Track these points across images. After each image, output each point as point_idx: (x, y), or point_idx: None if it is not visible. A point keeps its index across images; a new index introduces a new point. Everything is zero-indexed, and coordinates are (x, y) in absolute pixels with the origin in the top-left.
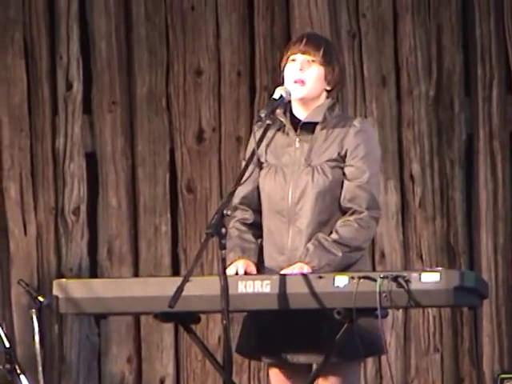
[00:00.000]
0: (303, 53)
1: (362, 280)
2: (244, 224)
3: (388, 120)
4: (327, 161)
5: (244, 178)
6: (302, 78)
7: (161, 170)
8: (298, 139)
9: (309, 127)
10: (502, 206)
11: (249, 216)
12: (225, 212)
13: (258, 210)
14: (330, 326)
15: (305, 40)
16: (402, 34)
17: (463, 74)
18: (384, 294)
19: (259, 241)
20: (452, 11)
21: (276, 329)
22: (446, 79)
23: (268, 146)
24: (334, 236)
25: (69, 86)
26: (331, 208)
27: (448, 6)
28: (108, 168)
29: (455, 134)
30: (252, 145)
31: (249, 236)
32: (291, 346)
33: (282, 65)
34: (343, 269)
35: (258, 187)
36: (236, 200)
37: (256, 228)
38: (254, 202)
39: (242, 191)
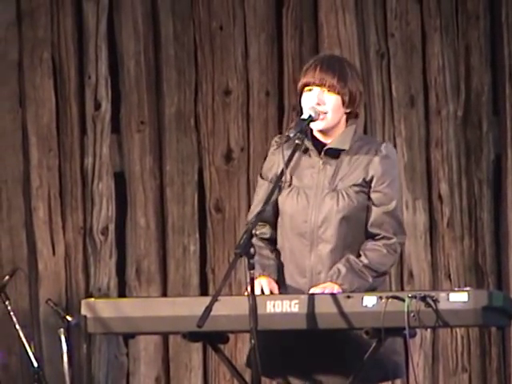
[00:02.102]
0: (318, 84)
1: (390, 300)
2: (261, 239)
3: (416, 140)
4: (352, 186)
5: (273, 198)
6: (321, 111)
7: (189, 189)
8: (321, 162)
9: (333, 152)
10: None
11: (266, 231)
12: (253, 232)
13: (273, 225)
14: (354, 347)
15: (318, 69)
16: (430, 54)
17: (491, 93)
18: (412, 314)
19: (276, 256)
20: (480, 31)
21: (297, 348)
22: (474, 99)
23: (289, 166)
24: (364, 260)
25: (97, 106)
26: (355, 232)
27: (476, 26)
28: (136, 188)
29: (483, 154)
30: (271, 161)
31: (266, 252)
32: (314, 366)
33: (299, 89)
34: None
35: (275, 204)
36: (251, 216)
37: (272, 243)
38: (270, 218)
39: (258, 207)
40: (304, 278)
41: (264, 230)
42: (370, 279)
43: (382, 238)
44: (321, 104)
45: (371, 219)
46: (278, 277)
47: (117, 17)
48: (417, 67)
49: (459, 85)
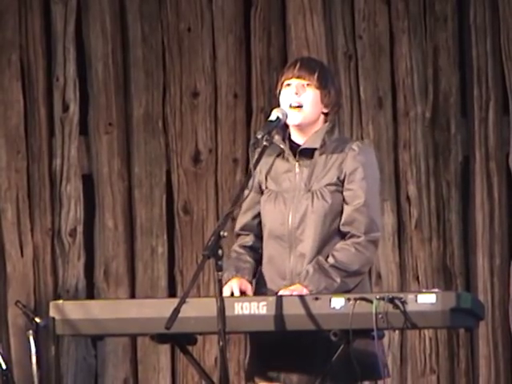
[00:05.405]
0: (298, 77)
1: (358, 301)
2: (243, 247)
3: (384, 142)
4: (327, 185)
5: (243, 201)
6: (299, 102)
7: (157, 191)
8: (297, 164)
9: (308, 153)
10: (499, 227)
11: (249, 239)
12: (221, 234)
13: (258, 236)
14: (325, 347)
15: (298, 64)
16: (398, 56)
17: (459, 95)
18: (380, 316)
19: (256, 263)
20: (448, 33)
21: (271, 349)
22: (442, 101)
23: (268, 172)
24: (331, 260)
25: (65, 108)
26: (332, 232)
27: (444, 28)
28: (104, 189)
29: (451, 156)
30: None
31: (245, 257)
32: (286, 366)
33: (278, 90)
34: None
35: (258, 214)
36: (237, 228)
37: (254, 250)
38: (255, 228)
39: (242, 219)
40: (284, 281)
41: (247, 239)
42: (338, 279)
43: (351, 236)
44: (299, 95)
45: (343, 218)
46: (258, 282)
47: (85, 19)
48: (385, 69)
49: (427, 86)
